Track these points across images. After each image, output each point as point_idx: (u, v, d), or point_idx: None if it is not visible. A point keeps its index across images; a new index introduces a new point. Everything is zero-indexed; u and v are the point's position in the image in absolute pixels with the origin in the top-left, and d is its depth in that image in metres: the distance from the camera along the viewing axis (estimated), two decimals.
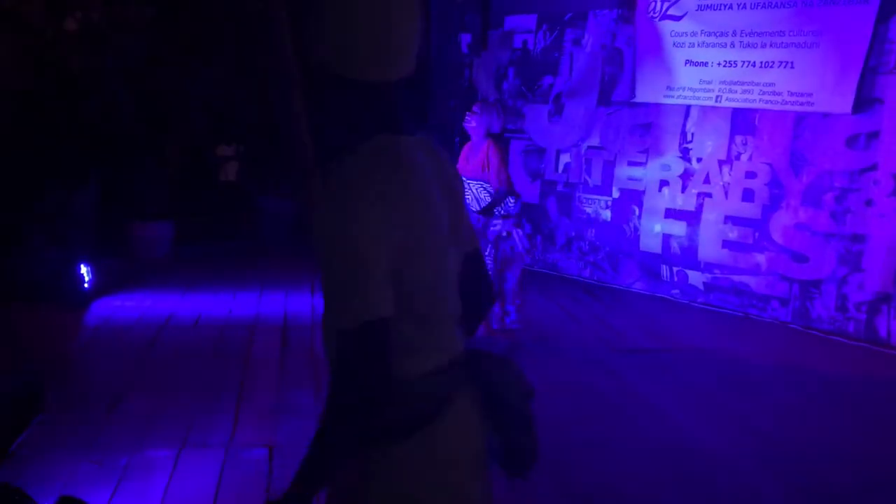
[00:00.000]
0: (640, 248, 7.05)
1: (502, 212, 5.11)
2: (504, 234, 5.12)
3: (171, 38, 7.64)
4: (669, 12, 6.65)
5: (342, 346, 1.31)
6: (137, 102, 7.45)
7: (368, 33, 1.34)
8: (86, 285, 6.07)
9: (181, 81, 7.74)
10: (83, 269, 6.03)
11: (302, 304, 6.20)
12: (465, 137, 5.49)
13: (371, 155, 1.37)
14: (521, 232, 5.16)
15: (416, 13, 1.38)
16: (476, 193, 5.13)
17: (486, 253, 5.15)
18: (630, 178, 7.10)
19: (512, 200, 5.14)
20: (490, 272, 5.14)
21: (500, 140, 5.23)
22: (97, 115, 6.93)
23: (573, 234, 7.58)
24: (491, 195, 5.09)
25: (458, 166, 5.25)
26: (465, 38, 8.46)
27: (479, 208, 5.12)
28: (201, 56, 7.87)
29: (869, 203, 5.67)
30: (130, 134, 7.40)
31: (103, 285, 6.31)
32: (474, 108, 5.24)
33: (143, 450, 3.61)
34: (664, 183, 6.86)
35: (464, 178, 5.06)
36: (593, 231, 7.42)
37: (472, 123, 5.20)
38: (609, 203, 7.27)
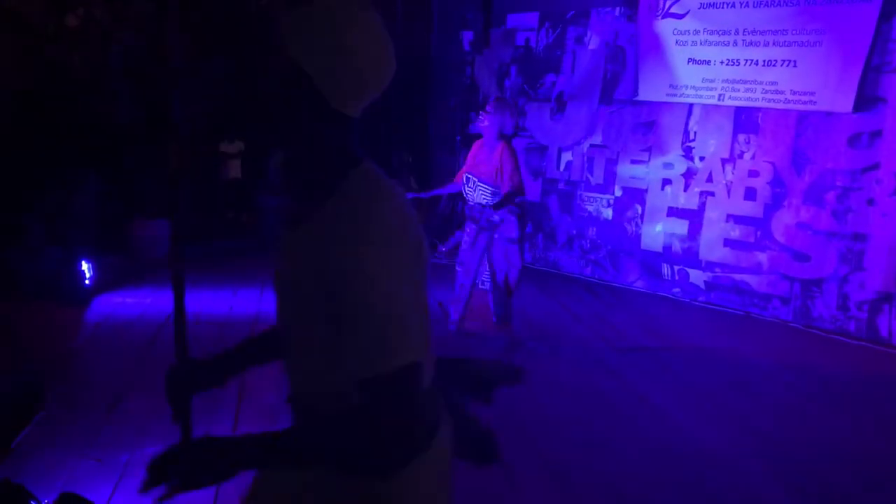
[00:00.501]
0: (641, 247, 7.04)
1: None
2: (498, 220, 5.12)
3: (170, 35, 7.62)
4: (672, 10, 6.64)
5: (375, 392, 1.28)
6: (138, 100, 7.45)
7: (366, 64, 1.34)
8: (87, 283, 6.10)
9: (183, 78, 7.73)
10: (84, 267, 6.08)
11: None
12: (466, 136, 5.47)
13: (363, 192, 1.35)
14: (515, 220, 5.15)
15: (393, 55, 1.38)
16: (486, 195, 5.11)
17: (476, 241, 5.15)
18: (632, 177, 7.10)
19: (519, 200, 5.15)
20: (475, 259, 5.19)
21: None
22: (98, 112, 6.93)
23: (574, 232, 7.57)
24: (499, 197, 5.07)
25: (467, 165, 5.25)
26: (467, 36, 8.45)
27: (484, 203, 5.13)
28: (203, 53, 7.87)
29: (871, 202, 5.66)
30: (131, 132, 7.40)
31: (104, 283, 6.31)
32: (487, 108, 5.15)
33: (144, 447, 3.61)
34: (667, 181, 6.86)
35: (475, 179, 5.08)
36: (594, 229, 7.42)
37: (484, 123, 5.11)
38: (611, 201, 7.27)
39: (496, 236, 5.16)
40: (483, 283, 5.26)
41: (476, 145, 5.28)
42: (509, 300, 5.29)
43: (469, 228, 5.28)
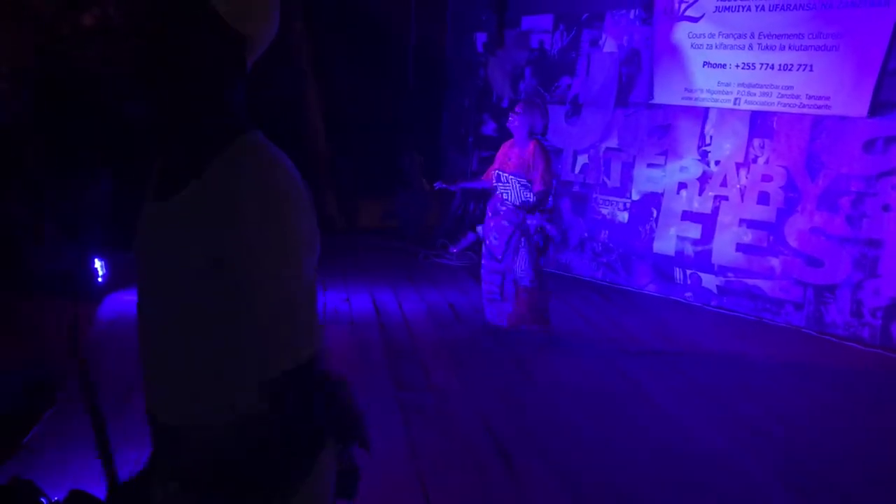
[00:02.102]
0: (654, 251, 7.02)
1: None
2: (534, 226, 5.18)
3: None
4: (687, 13, 6.61)
5: (277, 393, 1.12)
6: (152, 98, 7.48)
7: None
8: (99, 280, 6.11)
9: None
10: (97, 264, 6.10)
11: None
12: (478, 137, 5.50)
13: (259, 160, 1.16)
14: (551, 226, 5.24)
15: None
16: (517, 189, 5.17)
17: (522, 244, 5.20)
18: (649, 180, 7.07)
19: (551, 200, 5.22)
20: (526, 262, 5.26)
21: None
22: (112, 111, 6.97)
23: (586, 235, 7.56)
24: (531, 192, 5.12)
25: (497, 163, 5.29)
26: (481, 37, 8.44)
27: (518, 203, 5.19)
28: None
29: (886, 208, 5.62)
30: (145, 130, 7.43)
31: (117, 280, 6.33)
32: (517, 108, 5.21)
33: None
34: (682, 185, 6.83)
35: (506, 174, 5.14)
36: (606, 233, 7.39)
37: (514, 123, 5.17)
38: (627, 205, 7.24)
39: (534, 238, 5.24)
40: (522, 280, 5.30)
41: (506, 145, 5.34)
42: (547, 297, 5.34)
43: (501, 229, 5.32)
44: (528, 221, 5.17)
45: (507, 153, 5.26)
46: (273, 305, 1.11)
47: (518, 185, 5.15)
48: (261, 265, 1.09)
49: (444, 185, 5.75)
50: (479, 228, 5.61)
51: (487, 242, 5.41)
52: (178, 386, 1.21)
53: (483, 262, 5.47)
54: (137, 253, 1.27)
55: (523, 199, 5.16)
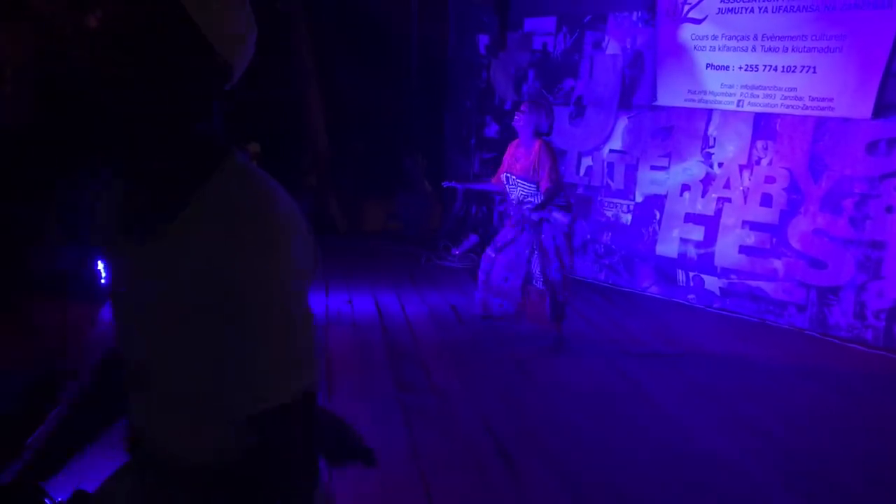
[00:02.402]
0: (657, 253, 7.01)
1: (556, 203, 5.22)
2: (537, 218, 5.20)
3: None
4: (690, 15, 6.61)
5: (272, 427, 1.09)
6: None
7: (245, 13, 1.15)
8: (102, 281, 6.12)
9: None
10: (100, 266, 6.10)
11: (315, 302, 6.20)
12: (481, 139, 5.51)
13: (251, 186, 1.11)
14: (563, 214, 5.19)
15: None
16: (524, 191, 5.19)
17: (517, 241, 5.23)
18: (653, 182, 7.07)
19: (563, 196, 5.24)
20: (539, 266, 5.29)
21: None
22: (114, 112, 6.96)
23: (588, 237, 7.55)
24: (539, 195, 5.14)
25: (504, 165, 5.30)
26: (483, 39, 8.44)
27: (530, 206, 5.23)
28: None
29: (889, 210, 5.61)
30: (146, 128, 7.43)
31: None
32: (522, 108, 5.21)
33: None
34: (685, 187, 6.82)
35: (514, 177, 5.15)
36: (609, 234, 7.39)
37: (520, 122, 5.18)
38: (630, 207, 7.23)
39: (544, 236, 5.24)
40: (537, 282, 5.30)
41: (513, 145, 5.35)
42: (559, 300, 5.33)
43: (508, 230, 5.39)
44: (533, 217, 5.17)
45: (515, 153, 5.27)
46: (278, 334, 1.08)
47: (526, 189, 5.16)
48: (269, 293, 1.06)
49: (452, 184, 5.78)
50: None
51: (496, 236, 5.49)
52: (171, 424, 1.19)
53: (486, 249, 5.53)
54: (119, 293, 1.19)
55: (532, 201, 5.18)
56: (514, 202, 5.30)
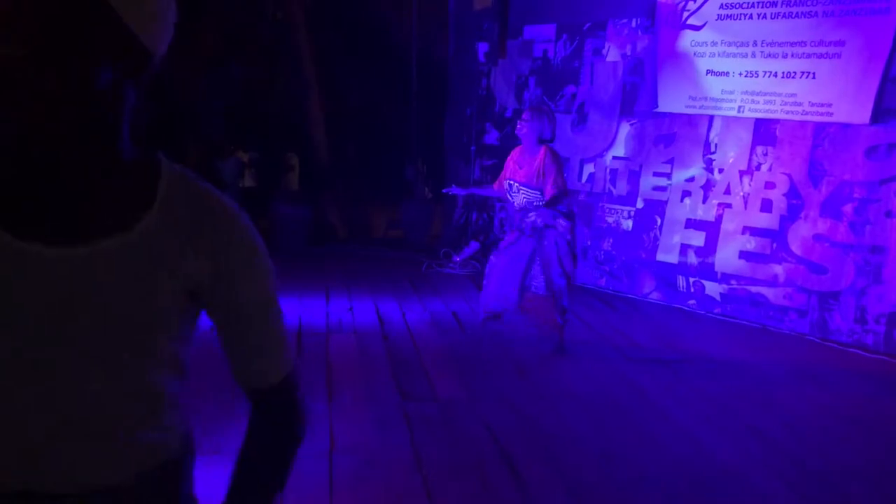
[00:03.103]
0: (657, 259, 7.01)
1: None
2: (541, 224, 5.20)
3: (189, 43, 7.70)
4: (690, 22, 6.63)
5: (276, 400, 1.24)
6: (154, 107, 7.51)
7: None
8: None
9: (198, 86, 7.79)
10: None
11: (316, 310, 6.20)
12: (481, 147, 5.52)
13: (204, 190, 1.11)
14: (566, 221, 5.18)
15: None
16: (528, 198, 5.21)
17: (526, 246, 5.28)
18: (655, 189, 7.07)
19: (565, 204, 5.24)
20: (539, 273, 5.33)
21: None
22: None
23: (589, 243, 7.55)
24: (541, 202, 5.16)
25: (507, 171, 5.31)
26: (482, 47, 8.46)
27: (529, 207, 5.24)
28: (219, 61, 7.92)
29: (889, 214, 5.62)
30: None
31: None
32: (524, 116, 5.23)
33: None
34: (686, 193, 6.83)
35: (517, 184, 5.16)
36: (610, 240, 7.39)
37: (523, 130, 5.20)
38: (631, 213, 7.24)
39: (547, 242, 5.22)
40: (538, 289, 5.30)
41: (516, 151, 5.35)
42: (563, 305, 5.33)
43: (510, 235, 5.41)
44: (537, 222, 5.17)
45: (518, 160, 5.27)
46: (275, 317, 1.18)
47: (530, 195, 5.17)
48: (264, 279, 1.15)
49: (453, 190, 5.78)
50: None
51: (500, 242, 5.52)
52: (85, 446, 1.05)
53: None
54: (83, 307, 1.00)
55: (536, 206, 5.19)
56: (517, 209, 5.30)
